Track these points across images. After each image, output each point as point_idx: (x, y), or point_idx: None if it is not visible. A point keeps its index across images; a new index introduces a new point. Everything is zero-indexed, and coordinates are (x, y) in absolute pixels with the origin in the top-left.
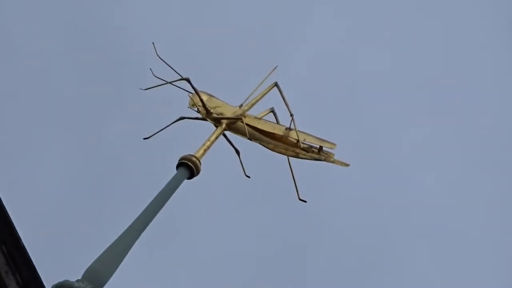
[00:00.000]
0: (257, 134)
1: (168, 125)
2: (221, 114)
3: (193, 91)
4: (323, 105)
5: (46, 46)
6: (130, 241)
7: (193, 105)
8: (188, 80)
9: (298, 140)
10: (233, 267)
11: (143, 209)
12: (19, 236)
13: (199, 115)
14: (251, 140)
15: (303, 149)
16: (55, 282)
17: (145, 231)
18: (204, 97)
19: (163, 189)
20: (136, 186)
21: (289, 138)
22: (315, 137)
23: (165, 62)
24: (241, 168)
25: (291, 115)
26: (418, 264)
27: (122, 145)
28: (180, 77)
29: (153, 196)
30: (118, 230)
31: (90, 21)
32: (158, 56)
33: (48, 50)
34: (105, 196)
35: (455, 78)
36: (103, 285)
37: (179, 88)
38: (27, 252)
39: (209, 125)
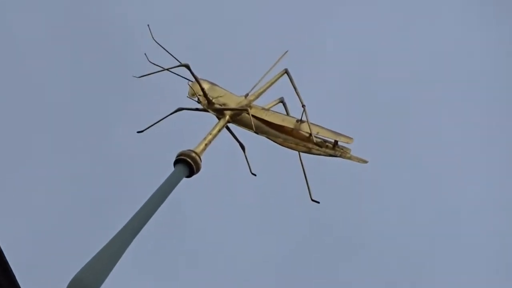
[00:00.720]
0: (264, 127)
1: (165, 117)
2: (224, 104)
3: (193, 79)
4: (336, 97)
5: (46, 46)
6: (122, 246)
7: (193, 94)
8: (187, 67)
9: (310, 134)
10: (235, 269)
11: (137, 210)
12: None
13: (199, 106)
14: (257, 133)
15: (316, 143)
16: None
17: (139, 235)
18: (206, 86)
19: (159, 189)
20: (131, 185)
21: (301, 132)
22: (330, 130)
23: (162, 47)
24: (247, 165)
25: (303, 106)
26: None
27: (119, 143)
28: (178, 63)
29: (148, 196)
30: (109, 233)
31: (90, 21)
32: (154, 39)
33: (48, 50)
34: (97, 196)
35: (459, 75)
36: None
37: (177, 76)
38: (6, 260)
39: (211, 117)
